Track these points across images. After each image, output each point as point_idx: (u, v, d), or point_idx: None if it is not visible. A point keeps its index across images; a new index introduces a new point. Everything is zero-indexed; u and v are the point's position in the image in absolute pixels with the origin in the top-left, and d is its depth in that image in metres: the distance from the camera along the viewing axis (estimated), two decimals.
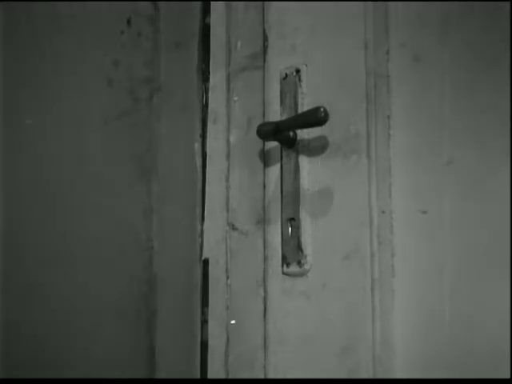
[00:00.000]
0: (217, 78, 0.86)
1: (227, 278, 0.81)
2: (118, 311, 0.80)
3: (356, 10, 0.74)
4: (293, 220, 0.75)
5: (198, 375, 0.82)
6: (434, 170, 0.69)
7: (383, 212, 0.71)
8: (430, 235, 0.68)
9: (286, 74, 0.78)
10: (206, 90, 0.87)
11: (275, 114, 0.78)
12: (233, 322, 0.79)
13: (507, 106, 0.66)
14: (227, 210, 0.82)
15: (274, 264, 0.76)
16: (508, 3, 0.67)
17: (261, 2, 0.83)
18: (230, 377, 0.78)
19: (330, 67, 0.75)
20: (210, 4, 0.89)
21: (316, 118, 0.68)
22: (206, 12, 0.89)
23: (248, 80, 0.83)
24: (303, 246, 0.74)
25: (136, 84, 0.86)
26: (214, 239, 0.83)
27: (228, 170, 0.83)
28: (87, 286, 0.78)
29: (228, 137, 0.84)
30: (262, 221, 0.79)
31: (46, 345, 0.75)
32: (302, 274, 0.74)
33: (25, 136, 0.76)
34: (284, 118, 0.76)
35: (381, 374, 0.68)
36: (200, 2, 0.89)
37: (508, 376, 0.62)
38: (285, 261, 0.75)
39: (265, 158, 0.80)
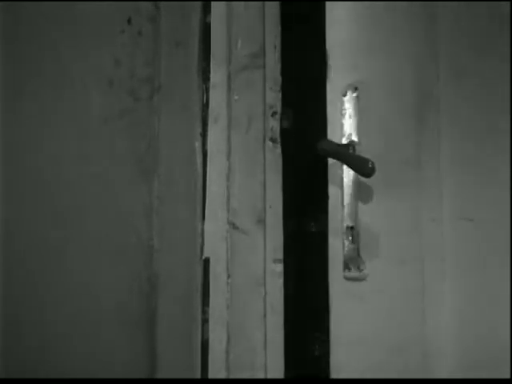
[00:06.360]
0: (217, 77, 0.86)
1: (228, 276, 0.81)
2: (118, 310, 0.80)
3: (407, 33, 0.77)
4: (352, 228, 0.77)
5: (198, 375, 0.82)
6: (480, 180, 0.73)
7: (433, 220, 0.74)
8: (478, 241, 0.72)
9: (346, 92, 0.79)
10: (207, 89, 0.87)
11: (335, 133, 0.80)
12: (233, 321, 0.80)
13: None
14: (228, 209, 0.82)
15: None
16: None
17: (261, 2, 0.83)
18: (231, 376, 0.78)
19: (384, 85, 0.77)
20: (210, 3, 0.89)
21: (364, 169, 0.72)
22: (206, 11, 0.89)
23: (249, 79, 0.83)
24: (362, 253, 0.76)
25: (136, 83, 0.86)
26: (214, 238, 0.83)
27: (229, 169, 0.83)
28: (88, 285, 0.78)
29: (229, 136, 0.84)
30: (263, 220, 0.79)
31: (45, 344, 0.75)
32: (362, 279, 0.76)
33: (25, 135, 0.76)
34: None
35: (430, 374, 0.70)
36: (200, 2, 0.89)
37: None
38: (346, 266, 0.77)
39: (265, 157, 0.80)
